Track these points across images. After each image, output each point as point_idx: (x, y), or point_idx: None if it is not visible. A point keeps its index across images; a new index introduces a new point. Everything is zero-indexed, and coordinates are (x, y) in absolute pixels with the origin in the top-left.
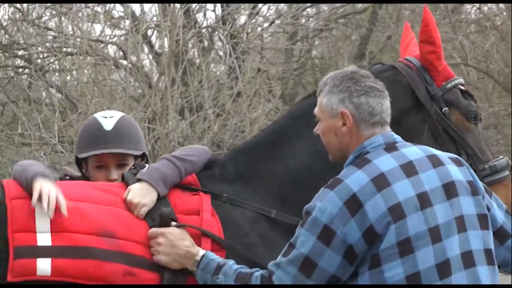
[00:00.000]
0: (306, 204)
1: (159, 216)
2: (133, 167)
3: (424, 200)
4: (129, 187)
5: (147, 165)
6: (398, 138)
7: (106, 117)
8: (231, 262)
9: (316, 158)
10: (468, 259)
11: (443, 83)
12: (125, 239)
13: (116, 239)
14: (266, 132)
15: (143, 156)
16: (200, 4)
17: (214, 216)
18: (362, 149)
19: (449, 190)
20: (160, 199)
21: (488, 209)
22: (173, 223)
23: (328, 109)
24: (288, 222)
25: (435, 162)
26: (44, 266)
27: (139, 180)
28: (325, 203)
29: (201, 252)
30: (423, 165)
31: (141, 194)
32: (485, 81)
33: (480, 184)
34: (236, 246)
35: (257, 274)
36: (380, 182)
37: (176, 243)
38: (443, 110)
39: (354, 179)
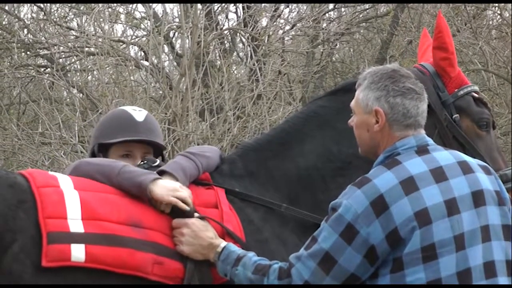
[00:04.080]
0: (314, 205)
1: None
2: (143, 162)
3: (452, 207)
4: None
5: (157, 160)
6: (430, 141)
7: (135, 110)
8: (251, 254)
9: (326, 159)
10: (490, 269)
11: (455, 89)
12: (151, 229)
13: (143, 229)
14: (277, 131)
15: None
16: (222, 6)
17: (231, 210)
18: (393, 149)
19: (478, 198)
20: None
21: None
22: (196, 214)
23: (363, 105)
24: (297, 220)
25: (465, 169)
26: (78, 252)
27: (160, 172)
28: (351, 201)
29: (223, 243)
30: (453, 171)
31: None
32: (505, 87)
33: (507, 195)
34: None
35: (275, 267)
36: (409, 185)
37: (199, 234)
38: (453, 116)
39: (383, 179)
